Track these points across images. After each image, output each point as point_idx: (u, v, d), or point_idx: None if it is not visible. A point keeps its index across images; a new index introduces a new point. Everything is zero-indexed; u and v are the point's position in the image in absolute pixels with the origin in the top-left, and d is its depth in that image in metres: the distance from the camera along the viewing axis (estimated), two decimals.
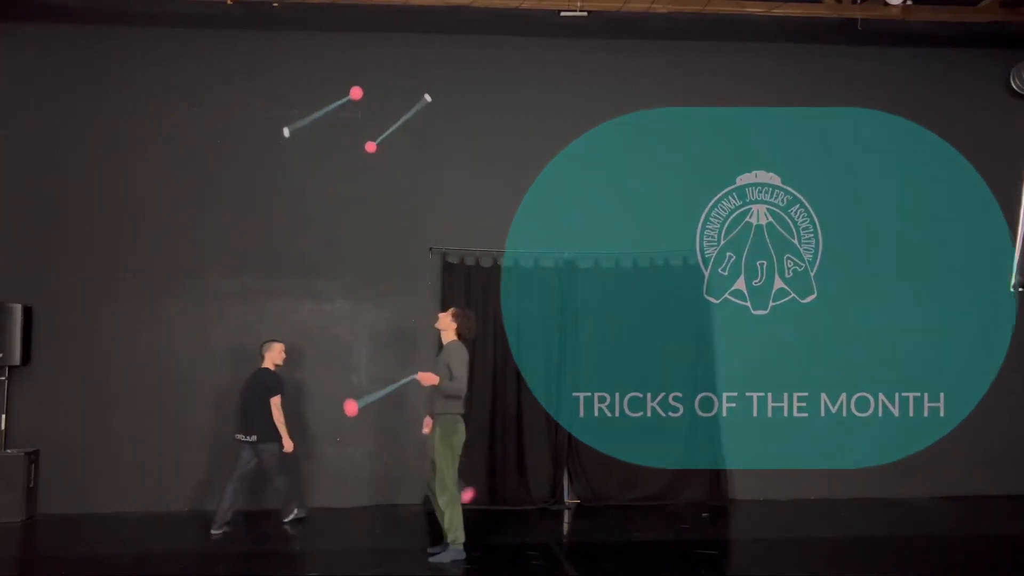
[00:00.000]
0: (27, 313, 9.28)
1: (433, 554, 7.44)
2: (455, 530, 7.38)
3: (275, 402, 8.54)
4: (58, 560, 7.75)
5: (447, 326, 7.66)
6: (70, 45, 9.76)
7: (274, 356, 8.81)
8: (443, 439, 7.38)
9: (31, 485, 9.08)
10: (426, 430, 7.64)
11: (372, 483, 9.67)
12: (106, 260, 9.60)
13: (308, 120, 8.07)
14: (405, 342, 9.81)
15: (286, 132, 8.08)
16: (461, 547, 7.40)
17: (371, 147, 8.19)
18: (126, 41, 9.81)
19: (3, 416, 9.23)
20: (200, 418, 9.51)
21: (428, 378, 7.31)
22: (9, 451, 9.09)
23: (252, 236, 9.75)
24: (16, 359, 9.14)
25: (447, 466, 7.37)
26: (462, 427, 7.48)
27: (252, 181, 9.82)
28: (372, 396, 7.33)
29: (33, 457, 9.13)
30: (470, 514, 8.58)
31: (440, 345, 7.85)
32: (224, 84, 9.86)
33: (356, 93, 7.95)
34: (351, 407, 6.91)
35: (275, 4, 9.36)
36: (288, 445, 8.58)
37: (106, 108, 9.73)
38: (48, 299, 9.44)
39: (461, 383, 7.39)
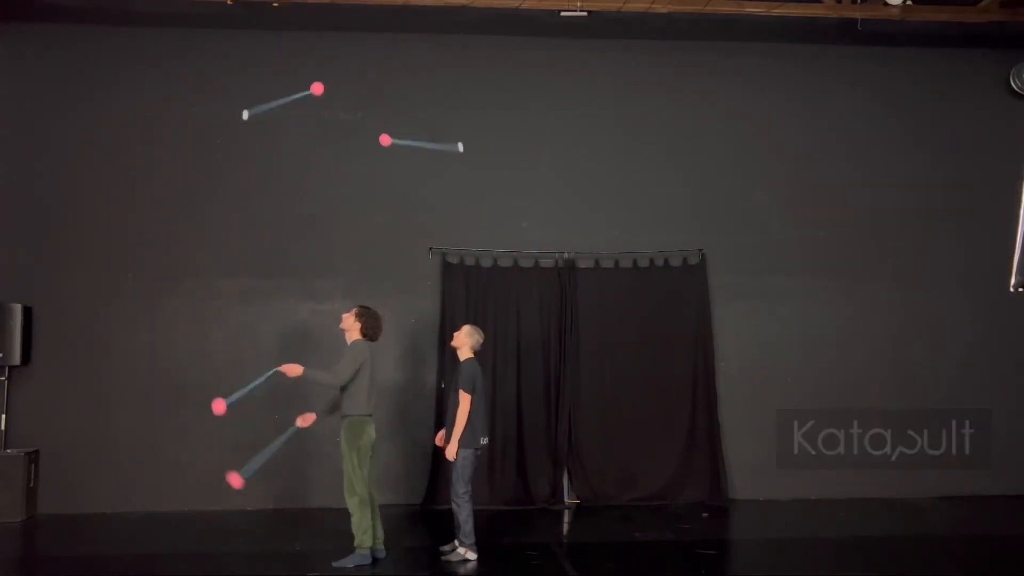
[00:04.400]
0: (27, 313, 9.27)
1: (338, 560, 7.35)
2: (361, 534, 7.28)
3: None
4: (58, 560, 7.76)
5: (351, 326, 7.45)
6: (70, 45, 9.75)
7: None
8: (348, 442, 7.26)
9: (31, 485, 9.08)
10: (301, 423, 7.34)
11: (373, 483, 9.63)
12: (106, 260, 9.60)
13: (268, 107, 7.50)
14: (404, 342, 9.81)
15: (245, 115, 7.49)
16: (367, 551, 7.32)
17: (386, 140, 7.68)
18: (126, 41, 9.80)
19: (3, 416, 9.23)
20: (200, 418, 9.43)
21: (292, 369, 7.12)
22: (9, 451, 9.09)
23: (252, 236, 9.74)
24: (16, 359, 9.13)
25: (352, 469, 7.25)
26: (370, 428, 7.34)
27: (252, 181, 9.82)
28: (238, 393, 6.92)
29: (33, 457, 9.13)
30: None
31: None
32: (224, 84, 9.84)
33: (318, 89, 7.49)
34: (219, 406, 6.66)
35: (275, 4, 9.36)
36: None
37: (106, 108, 9.73)
38: (48, 299, 9.44)
39: (338, 377, 7.18)
